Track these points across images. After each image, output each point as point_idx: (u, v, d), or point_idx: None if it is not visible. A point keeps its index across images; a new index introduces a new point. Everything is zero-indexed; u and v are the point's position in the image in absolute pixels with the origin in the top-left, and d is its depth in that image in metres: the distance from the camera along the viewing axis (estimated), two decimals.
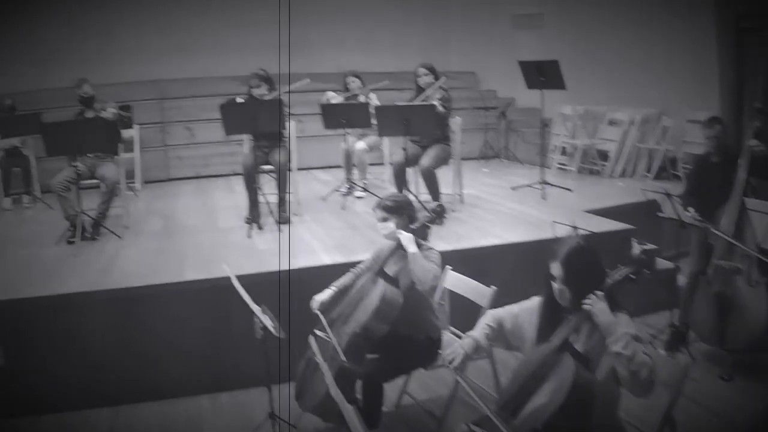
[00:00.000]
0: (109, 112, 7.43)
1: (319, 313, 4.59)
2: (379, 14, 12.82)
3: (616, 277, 3.25)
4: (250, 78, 7.57)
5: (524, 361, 3.31)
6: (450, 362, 3.54)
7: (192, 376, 5.71)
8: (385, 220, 4.58)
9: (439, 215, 4.67)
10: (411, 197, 5.92)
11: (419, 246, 4.47)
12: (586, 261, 3.27)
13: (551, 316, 3.35)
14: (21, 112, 9.44)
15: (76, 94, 7.70)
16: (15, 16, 11.08)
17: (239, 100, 7.44)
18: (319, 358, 4.04)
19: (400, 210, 4.59)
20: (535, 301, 3.51)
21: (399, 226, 4.54)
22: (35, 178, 9.75)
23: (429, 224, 4.63)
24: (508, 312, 3.64)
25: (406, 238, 4.44)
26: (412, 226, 4.55)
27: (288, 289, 4.97)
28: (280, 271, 5.71)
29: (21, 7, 10.98)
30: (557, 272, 3.26)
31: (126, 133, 8.39)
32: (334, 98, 8.72)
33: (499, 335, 3.63)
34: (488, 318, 3.69)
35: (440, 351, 4.34)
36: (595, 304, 3.11)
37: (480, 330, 3.64)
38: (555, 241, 3.42)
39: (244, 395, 5.63)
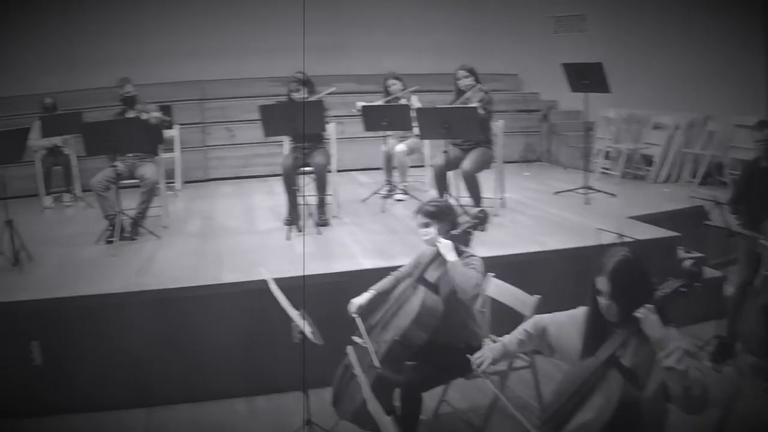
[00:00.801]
0: (152, 116, 7.38)
1: (356, 316, 4.49)
2: (418, 16, 12.70)
3: (666, 291, 3.11)
4: (290, 81, 7.50)
5: (569, 375, 3.20)
6: (478, 366, 3.51)
7: (228, 378, 5.67)
8: (426, 225, 4.46)
9: (481, 221, 4.52)
10: (452, 202, 5.83)
11: (460, 253, 4.36)
12: (634, 275, 3.13)
13: (597, 330, 3.22)
14: (63, 111, 9.49)
15: (119, 93, 7.70)
16: (58, 17, 11.18)
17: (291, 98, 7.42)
18: (356, 369, 3.94)
19: (441, 215, 4.47)
20: (581, 312, 3.38)
21: (440, 232, 4.42)
22: (76, 177, 9.79)
23: (471, 230, 4.50)
24: (553, 319, 3.54)
25: (445, 246, 4.33)
26: (453, 232, 4.43)
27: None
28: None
29: (64, 8, 11.03)
30: (604, 287, 3.13)
31: (166, 133, 8.38)
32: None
33: (541, 342, 3.54)
34: (528, 324, 3.62)
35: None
36: (646, 318, 2.99)
37: (513, 335, 3.60)
38: (601, 253, 3.28)
39: (280, 399, 5.56)
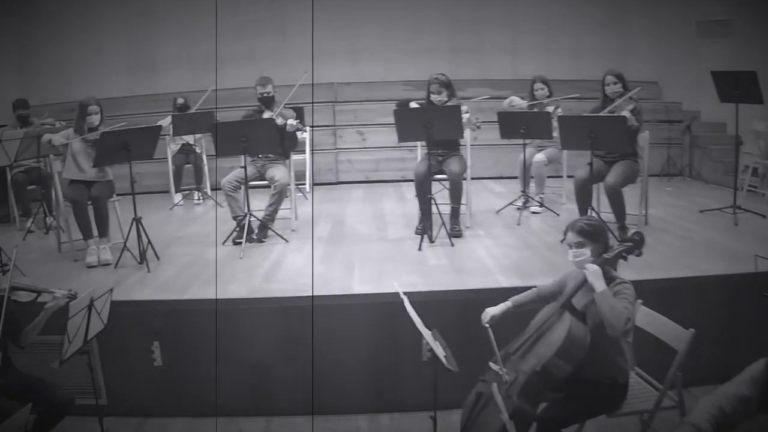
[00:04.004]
0: (289, 123, 7.22)
1: (488, 326, 4.19)
2: (555, 18, 12.27)
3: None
4: (430, 83, 7.20)
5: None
6: None
7: (351, 393, 5.53)
8: (579, 245, 4.06)
9: (637, 245, 4.08)
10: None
11: (611, 279, 3.96)
12: None
13: None
14: (200, 110, 9.59)
15: (258, 92, 7.58)
16: (189, 17, 11.37)
17: (414, 105, 7.11)
18: (504, 413, 3.61)
19: (596, 236, 4.07)
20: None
21: (593, 254, 4.03)
22: (206, 176, 9.91)
23: (626, 255, 4.10)
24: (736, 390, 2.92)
25: (593, 273, 3.91)
26: (606, 255, 4.03)
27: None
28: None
29: (203, 7, 11.13)
30: None
31: (299, 136, 8.26)
32: (518, 103, 8.29)
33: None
34: (718, 400, 2.92)
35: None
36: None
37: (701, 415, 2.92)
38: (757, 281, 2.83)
39: (404, 419, 5.40)
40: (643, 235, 4.09)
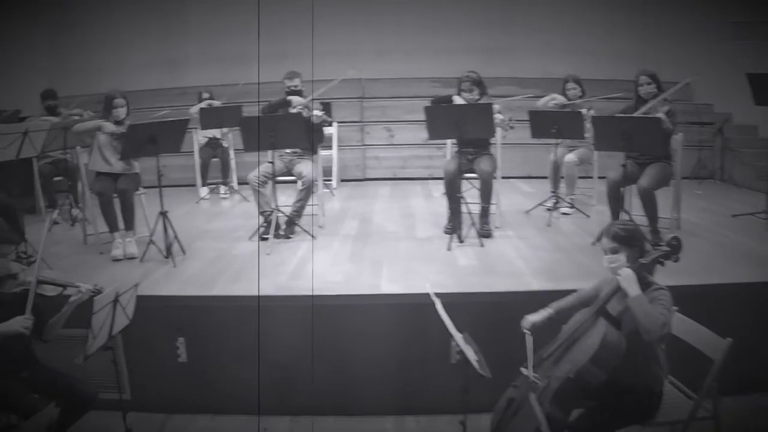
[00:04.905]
0: (314, 115, 7.15)
1: (528, 333, 4.10)
2: (583, 17, 12.11)
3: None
4: (461, 80, 7.10)
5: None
6: None
7: (378, 394, 5.46)
8: (614, 251, 3.95)
9: (674, 250, 3.96)
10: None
11: (647, 285, 3.84)
12: None
13: None
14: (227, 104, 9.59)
15: (285, 86, 7.50)
16: (228, 14, 11.29)
17: (459, 99, 7.05)
18: (537, 411, 3.53)
19: (632, 240, 3.95)
20: None
21: (629, 260, 3.92)
22: (233, 170, 9.89)
23: (662, 260, 3.97)
24: None
25: (627, 278, 3.79)
26: (642, 261, 3.91)
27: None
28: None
29: (234, 3, 11.09)
30: None
31: (325, 131, 8.21)
32: (560, 101, 8.16)
33: None
34: None
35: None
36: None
37: None
38: None
39: (430, 422, 5.33)
40: (680, 240, 3.98)
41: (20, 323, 4.00)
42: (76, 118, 8.33)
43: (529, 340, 4.04)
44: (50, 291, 4.30)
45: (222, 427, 5.38)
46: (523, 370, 4.01)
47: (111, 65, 11.42)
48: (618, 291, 3.91)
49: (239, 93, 9.97)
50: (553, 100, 8.23)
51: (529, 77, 11.17)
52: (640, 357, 3.85)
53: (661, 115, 6.52)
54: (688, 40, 11.91)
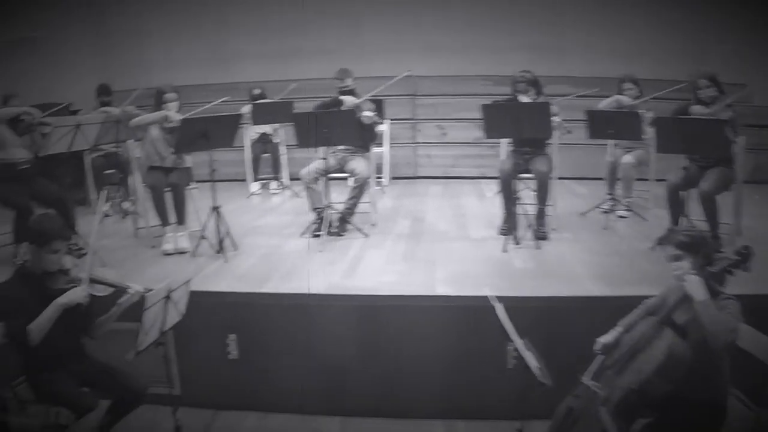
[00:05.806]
0: (365, 116, 7.06)
1: (600, 356, 3.99)
2: (623, 15, 11.88)
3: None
4: (516, 81, 6.97)
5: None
6: None
7: (429, 397, 5.36)
8: (677, 258, 3.79)
9: (745, 259, 3.79)
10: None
11: (715, 294, 3.68)
12: None
13: None
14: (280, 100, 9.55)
15: (337, 86, 7.44)
16: (278, 10, 11.27)
17: (525, 99, 6.93)
18: (606, 421, 3.41)
19: (696, 248, 3.79)
20: None
21: (694, 267, 3.76)
22: (284, 166, 9.85)
23: (732, 270, 3.81)
24: None
25: (693, 282, 3.66)
26: (710, 269, 3.76)
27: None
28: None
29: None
30: None
31: (377, 128, 8.13)
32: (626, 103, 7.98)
33: None
34: None
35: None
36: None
37: None
38: None
39: (481, 427, 5.22)
40: (751, 248, 3.82)
41: (81, 293, 4.02)
42: (136, 112, 8.34)
43: (599, 360, 3.96)
44: (101, 291, 4.25)
45: (271, 426, 5.34)
46: (584, 379, 3.90)
47: (162, 60, 11.45)
48: (684, 300, 3.76)
49: (290, 89, 9.93)
50: (616, 101, 8.03)
51: (579, 76, 10.98)
52: (707, 368, 3.69)
53: (723, 119, 6.35)
54: (746, 39, 11.67)
